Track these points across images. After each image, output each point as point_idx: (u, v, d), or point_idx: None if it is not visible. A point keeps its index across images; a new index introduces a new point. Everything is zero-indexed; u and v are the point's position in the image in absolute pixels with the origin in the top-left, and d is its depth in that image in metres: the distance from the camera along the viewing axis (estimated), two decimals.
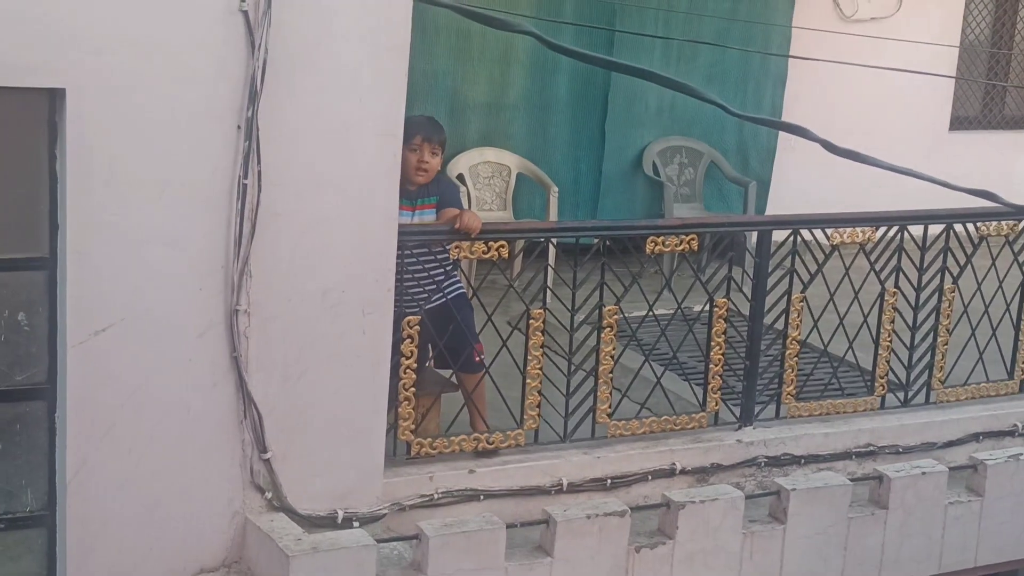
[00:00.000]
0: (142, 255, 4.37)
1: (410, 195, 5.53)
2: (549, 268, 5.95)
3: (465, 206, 6.13)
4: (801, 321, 6.00)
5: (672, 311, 5.87)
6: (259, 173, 4.46)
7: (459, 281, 5.62)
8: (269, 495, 4.73)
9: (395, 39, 4.64)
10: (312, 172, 4.58)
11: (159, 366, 4.48)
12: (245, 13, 4.34)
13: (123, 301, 4.37)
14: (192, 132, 4.37)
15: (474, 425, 5.51)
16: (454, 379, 5.60)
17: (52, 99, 4.23)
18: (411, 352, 5.21)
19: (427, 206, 5.52)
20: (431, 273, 5.40)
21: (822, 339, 6.14)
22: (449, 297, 5.49)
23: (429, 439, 5.33)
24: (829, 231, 6.04)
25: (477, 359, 5.52)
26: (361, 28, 4.56)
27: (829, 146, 2.90)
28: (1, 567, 4.59)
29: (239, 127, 4.41)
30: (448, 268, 5.49)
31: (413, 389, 5.24)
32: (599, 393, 5.61)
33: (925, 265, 6.27)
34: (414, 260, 5.28)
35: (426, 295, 5.38)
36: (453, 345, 5.46)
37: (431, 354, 5.55)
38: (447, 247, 5.35)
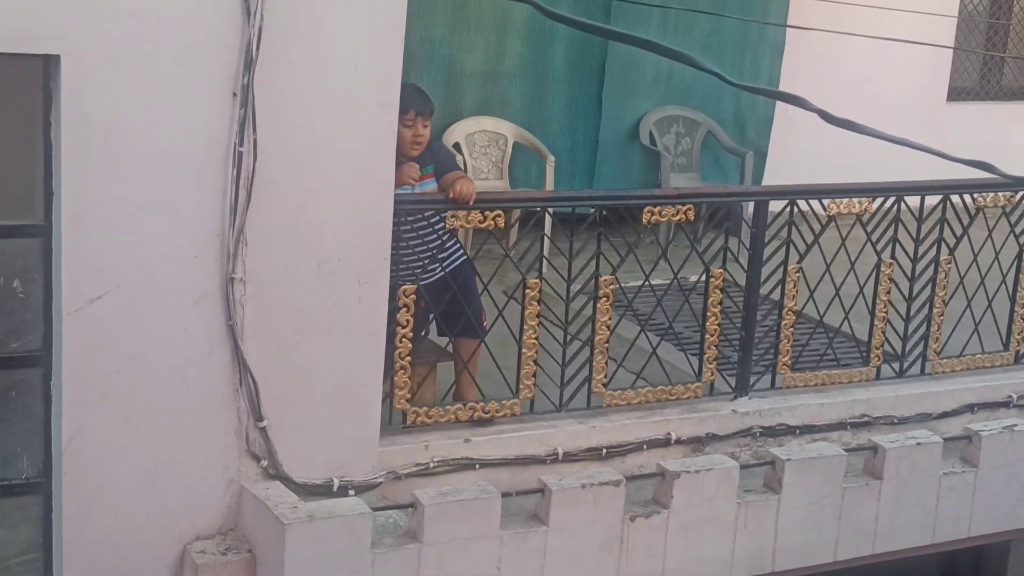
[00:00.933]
0: (137, 222, 4.36)
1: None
2: (545, 238, 5.94)
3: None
4: (797, 292, 6.00)
5: (668, 281, 5.87)
6: (255, 141, 4.44)
7: (460, 250, 5.60)
8: (265, 463, 4.74)
9: (391, 7, 4.61)
10: (308, 140, 4.56)
11: (155, 334, 4.48)
12: None
13: (118, 268, 4.37)
14: (188, 99, 4.35)
15: (465, 394, 5.50)
16: (450, 347, 5.60)
17: (47, 66, 4.21)
18: (407, 321, 5.20)
19: (427, 176, 5.50)
20: (430, 246, 5.38)
21: (818, 310, 6.15)
22: (447, 270, 5.48)
23: (425, 408, 5.33)
24: (826, 202, 6.03)
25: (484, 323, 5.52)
26: None
27: (826, 116, 2.89)
28: None
29: (235, 95, 4.39)
30: (446, 240, 5.48)
31: (409, 358, 5.24)
32: (595, 363, 5.61)
33: (921, 236, 6.26)
34: (411, 231, 5.27)
35: (421, 265, 5.37)
36: (456, 309, 5.45)
37: (429, 325, 5.54)
38: (444, 219, 5.34)
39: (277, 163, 4.51)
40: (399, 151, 5.52)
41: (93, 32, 4.16)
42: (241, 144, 4.42)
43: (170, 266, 4.45)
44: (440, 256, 5.49)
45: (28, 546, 4.65)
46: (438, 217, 5.34)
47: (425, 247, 5.41)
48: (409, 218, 5.27)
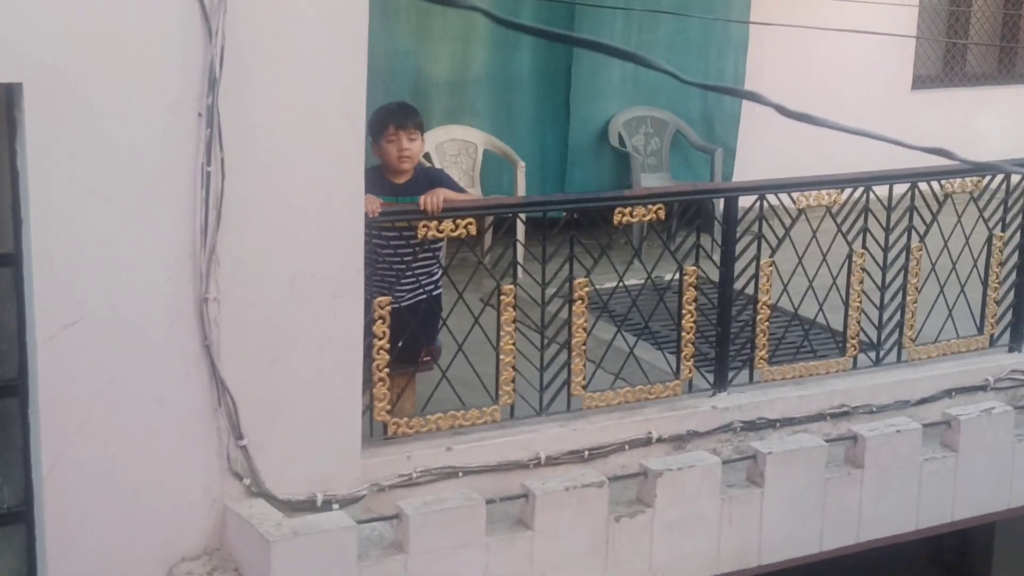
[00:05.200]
0: (108, 247, 4.36)
1: (396, 190, 5.53)
2: (518, 243, 5.96)
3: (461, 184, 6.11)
4: (771, 286, 6.03)
5: (642, 281, 5.90)
6: (222, 160, 4.44)
7: (438, 282, 5.63)
8: (247, 481, 4.74)
9: (353, 21, 4.62)
10: (275, 157, 4.57)
11: (131, 358, 4.47)
12: (201, 0, 4.32)
13: (91, 294, 4.36)
14: (153, 121, 4.35)
15: (403, 406, 5.46)
16: (425, 359, 5.61)
17: (10, 94, 4.21)
18: (383, 333, 5.21)
19: (414, 204, 5.43)
20: (404, 259, 5.39)
21: (792, 303, 6.19)
22: (429, 296, 5.50)
23: (405, 419, 5.33)
24: (795, 195, 6.06)
25: (426, 359, 5.56)
26: (318, 11, 4.54)
27: (782, 110, 2.92)
28: None
29: (200, 115, 4.39)
30: (431, 264, 5.49)
31: (387, 370, 5.24)
32: (573, 366, 5.63)
33: (891, 225, 6.30)
34: (385, 245, 5.28)
35: (395, 277, 5.37)
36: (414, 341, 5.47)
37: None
38: (433, 248, 5.36)
39: (245, 181, 4.51)
40: (389, 167, 5.55)
41: (54, 59, 4.16)
42: (208, 164, 4.42)
43: (143, 289, 4.45)
44: (424, 282, 5.51)
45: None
46: (413, 232, 5.34)
47: (399, 260, 5.42)
48: (384, 232, 5.28)
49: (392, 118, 5.55)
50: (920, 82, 10.83)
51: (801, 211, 6.05)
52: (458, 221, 5.33)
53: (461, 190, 5.71)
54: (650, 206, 5.72)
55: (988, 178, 6.62)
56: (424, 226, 5.28)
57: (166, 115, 4.37)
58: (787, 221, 6.03)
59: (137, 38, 4.27)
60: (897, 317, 6.42)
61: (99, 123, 4.27)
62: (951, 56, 11.12)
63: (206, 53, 4.36)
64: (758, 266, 5.99)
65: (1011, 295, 6.72)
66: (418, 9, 8.23)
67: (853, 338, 6.31)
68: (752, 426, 5.91)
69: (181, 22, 4.33)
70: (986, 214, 6.61)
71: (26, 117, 4.16)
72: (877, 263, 6.32)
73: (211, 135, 4.41)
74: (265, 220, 4.60)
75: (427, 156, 8.20)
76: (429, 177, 5.68)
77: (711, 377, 5.99)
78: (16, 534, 4.58)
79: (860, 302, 6.30)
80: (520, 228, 6.57)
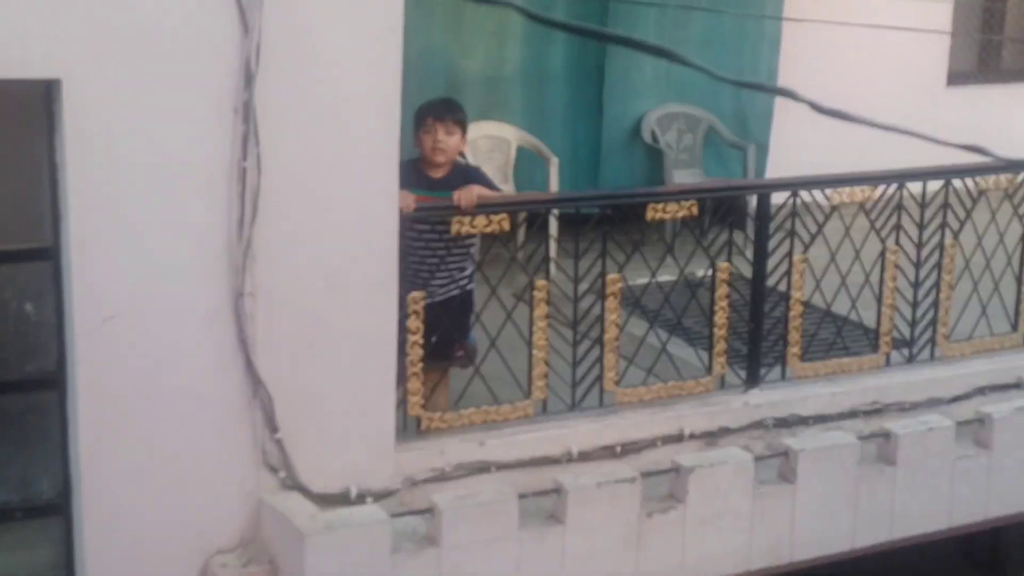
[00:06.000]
0: (146, 241, 4.40)
1: (431, 184, 5.56)
2: (551, 239, 5.96)
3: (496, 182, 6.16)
4: (803, 282, 6.02)
5: (675, 277, 5.90)
6: (258, 156, 4.48)
7: (471, 278, 5.65)
8: (282, 475, 4.77)
9: (388, 17, 4.65)
10: (310, 153, 4.60)
11: (168, 351, 4.52)
12: None
13: (129, 288, 4.41)
14: (189, 117, 4.39)
15: (436, 401, 5.50)
16: (459, 355, 5.64)
17: (49, 90, 4.25)
18: (417, 328, 5.23)
19: (448, 199, 5.40)
20: (437, 253, 5.41)
21: (825, 299, 6.17)
22: (462, 290, 5.53)
23: (439, 413, 5.36)
24: (828, 192, 6.05)
25: (459, 354, 5.59)
26: (354, 7, 4.57)
27: (816, 106, 2.92)
28: (20, 556, 4.65)
29: (236, 110, 4.42)
30: (463, 260, 5.52)
31: (421, 364, 5.27)
32: (605, 361, 5.64)
33: (925, 222, 6.28)
34: (418, 240, 5.31)
35: (429, 272, 5.40)
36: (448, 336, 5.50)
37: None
38: (466, 242, 5.38)
39: (281, 176, 4.54)
40: (424, 160, 5.59)
41: (93, 55, 4.20)
42: (245, 159, 4.46)
43: (180, 284, 4.49)
44: (458, 277, 5.54)
45: (50, 567, 4.69)
46: (446, 227, 5.36)
47: (433, 255, 5.45)
48: (418, 227, 5.31)
49: (432, 110, 5.60)
50: (955, 79, 10.76)
51: (834, 208, 6.04)
52: (491, 217, 5.35)
53: (496, 189, 5.73)
54: (683, 202, 5.72)
55: (1023, 175, 6.58)
56: (458, 222, 5.30)
57: (203, 111, 4.41)
58: (820, 218, 6.02)
59: (174, 34, 4.31)
60: (930, 314, 6.40)
61: (137, 119, 4.31)
62: (986, 52, 11.05)
63: (242, 49, 4.40)
64: (791, 263, 5.98)
65: None
66: (452, 5, 8.24)
67: (886, 335, 6.29)
68: (784, 423, 5.90)
69: (218, 18, 4.36)
70: (1021, 211, 6.57)
71: (65, 112, 4.21)
72: (910, 260, 6.30)
73: (247, 131, 4.44)
74: (301, 215, 4.63)
75: (460, 153, 8.22)
76: (465, 173, 5.70)
77: (743, 373, 5.99)
78: (54, 526, 4.63)
79: (893, 299, 6.28)
80: (553, 224, 6.57)
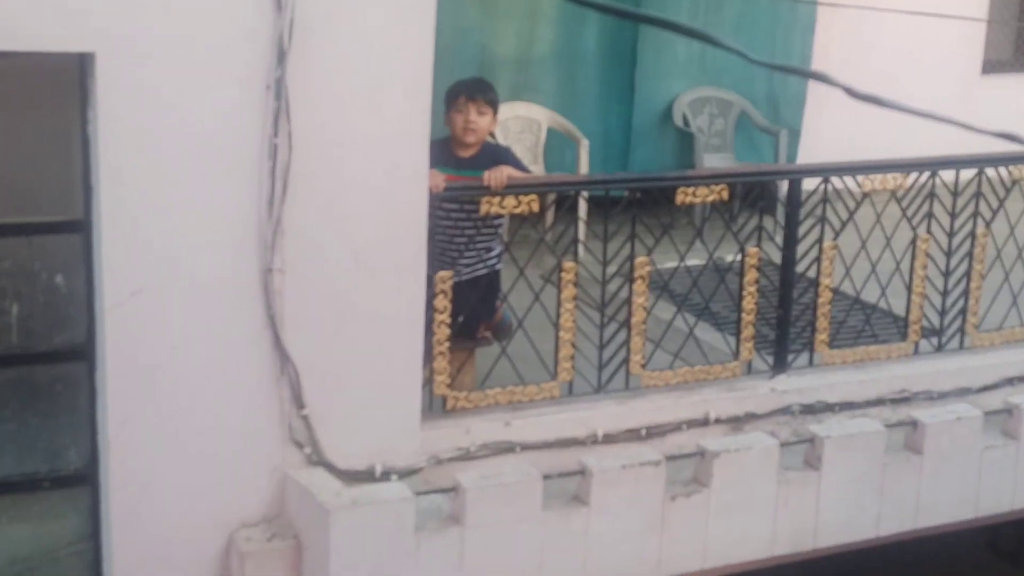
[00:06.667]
0: (176, 216, 4.42)
1: (460, 163, 5.56)
2: (580, 221, 5.96)
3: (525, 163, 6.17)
4: (833, 269, 6.00)
5: (704, 261, 5.88)
6: (289, 133, 4.48)
7: (498, 258, 5.66)
8: (308, 450, 4.79)
9: None
10: (341, 130, 4.60)
11: (196, 326, 4.54)
12: None
13: (158, 262, 4.43)
14: (221, 93, 4.40)
15: (462, 380, 5.52)
16: (486, 334, 5.65)
17: (83, 63, 4.27)
18: (444, 307, 5.24)
19: (477, 178, 5.41)
20: (466, 232, 5.42)
21: (854, 286, 6.15)
22: (489, 269, 5.54)
23: (465, 393, 5.37)
24: (860, 178, 6.02)
25: (485, 334, 5.61)
26: None
27: (851, 91, 2.90)
28: (48, 525, 4.69)
29: (268, 87, 4.43)
30: (490, 240, 5.52)
31: (447, 344, 5.28)
32: (632, 344, 5.63)
33: (957, 210, 6.24)
34: (447, 219, 5.32)
35: (458, 251, 5.40)
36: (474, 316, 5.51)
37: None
38: (495, 222, 5.38)
39: (311, 154, 4.55)
40: (455, 139, 5.60)
41: (127, 29, 4.21)
42: (276, 136, 4.47)
43: (209, 258, 4.50)
44: (485, 257, 5.54)
45: (77, 537, 4.73)
46: (475, 206, 5.36)
47: (461, 234, 5.45)
48: (446, 206, 5.32)
49: (464, 89, 5.60)
50: (990, 67, 10.69)
51: (866, 195, 6.01)
52: (521, 198, 5.34)
53: (526, 170, 5.72)
54: (714, 186, 5.70)
55: None
56: (487, 202, 5.31)
57: (235, 86, 4.42)
58: (851, 204, 5.99)
59: (208, 9, 4.32)
60: (960, 303, 6.37)
61: (169, 93, 4.32)
62: (1022, 40, 10.96)
63: (275, 26, 4.40)
64: (821, 249, 5.95)
65: None
66: None
67: (915, 323, 6.27)
68: (811, 409, 5.88)
69: None
70: None
71: (98, 86, 4.22)
72: (941, 249, 6.27)
73: (279, 107, 4.45)
74: (330, 192, 4.64)
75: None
76: (495, 154, 5.70)
77: (771, 359, 5.97)
78: (82, 495, 4.67)
79: (923, 287, 6.25)
80: (582, 206, 6.57)
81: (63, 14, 4.11)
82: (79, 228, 4.45)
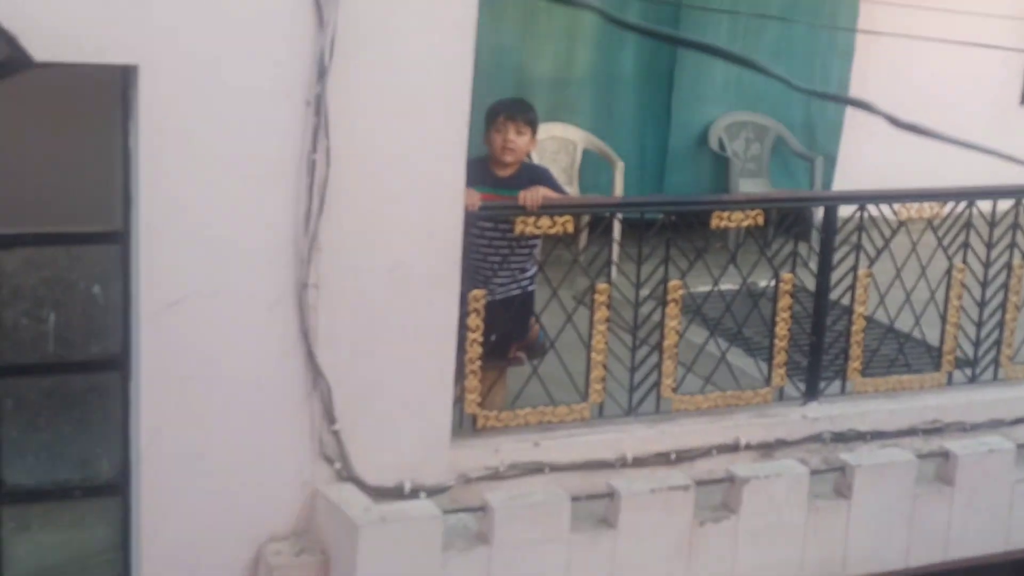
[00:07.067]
0: (213, 229, 4.44)
1: (498, 182, 5.58)
2: (614, 243, 5.95)
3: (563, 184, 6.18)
4: (867, 297, 5.97)
5: (737, 286, 5.87)
6: (328, 149, 4.50)
7: (532, 279, 5.66)
8: (338, 466, 4.80)
9: (462, 17, 4.66)
10: (379, 147, 4.62)
11: (230, 338, 4.55)
12: None
13: (195, 274, 4.45)
14: (262, 107, 4.42)
15: (493, 399, 5.51)
16: (519, 354, 5.65)
17: (126, 75, 4.30)
18: (477, 326, 5.25)
19: (513, 198, 5.40)
20: (500, 252, 5.42)
21: (888, 315, 6.12)
22: (524, 291, 5.55)
23: (495, 412, 5.37)
24: (896, 206, 6.00)
25: (517, 353, 5.63)
26: (428, 6, 4.58)
27: (893, 120, 2.90)
28: (78, 534, 4.71)
29: (308, 103, 4.46)
30: (526, 262, 5.53)
31: (479, 362, 5.28)
32: (664, 367, 5.62)
33: (994, 241, 6.21)
34: (482, 238, 5.33)
35: (492, 270, 5.41)
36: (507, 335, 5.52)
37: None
38: (529, 243, 5.39)
39: (349, 170, 4.57)
40: (493, 158, 5.62)
41: (170, 42, 4.24)
42: (315, 151, 4.49)
43: (245, 272, 4.52)
44: (519, 277, 5.55)
45: (107, 546, 4.75)
46: (510, 226, 5.37)
47: (496, 253, 5.46)
48: (481, 225, 5.33)
49: (503, 108, 5.62)
50: None
51: (902, 223, 5.99)
52: (556, 218, 5.35)
53: (562, 192, 5.72)
54: (749, 211, 5.69)
55: None
56: (522, 222, 5.31)
57: (275, 102, 4.44)
58: (887, 232, 5.97)
59: (251, 24, 4.35)
60: (995, 335, 6.33)
61: (210, 107, 4.35)
62: None
63: (317, 42, 4.42)
64: (855, 277, 5.93)
65: None
66: (524, 6, 8.27)
67: (949, 354, 6.23)
68: (842, 437, 5.86)
69: (294, 10, 4.39)
70: None
71: (141, 98, 4.25)
72: (977, 279, 6.24)
73: (318, 123, 4.47)
74: (367, 209, 4.65)
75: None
76: (532, 174, 5.71)
77: (802, 386, 5.95)
78: (112, 506, 4.69)
79: (958, 318, 6.22)
80: (616, 228, 6.57)
81: (107, 26, 4.15)
82: (117, 239, 4.47)
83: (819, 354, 5.94)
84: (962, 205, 6.12)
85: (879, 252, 5.95)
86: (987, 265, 6.23)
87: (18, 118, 4.38)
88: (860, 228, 5.87)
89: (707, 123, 8.99)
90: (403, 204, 4.70)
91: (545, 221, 5.33)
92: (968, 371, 6.31)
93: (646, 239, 5.52)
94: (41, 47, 4.01)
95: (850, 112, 9.23)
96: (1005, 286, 6.28)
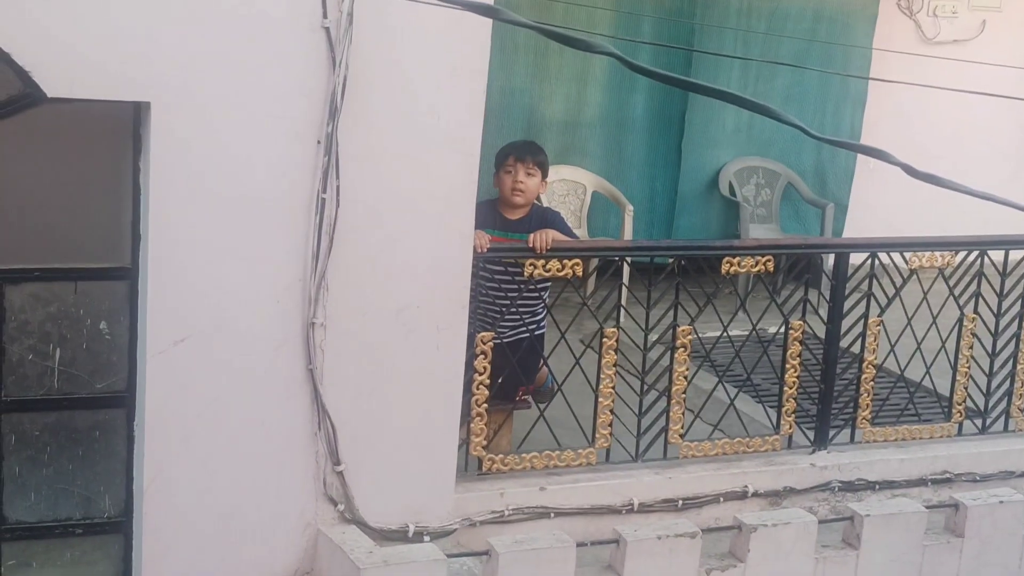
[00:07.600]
0: (222, 267, 4.43)
1: (508, 225, 5.57)
2: (623, 287, 5.93)
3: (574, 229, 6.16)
4: (878, 345, 5.94)
5: (747, 332, 5.84)
6: (337, 188, 4.50)
7: (543, 322, 5.64)
8: (341, 507, 4.77)
9: (474, 59, 4.67)
10: (389, 189, 4.62)
11: (236, 377, 4.54)
12: (327, 30, 4.39)
13: (202, 312, 4.44)
14: (273, 146, 4.43)
15: (499, 443, 5.47)
16: (526, 398, 5.62)
17: (137, 112, 4.31)
18: (484, 368, 5.22)
19: (523, 241, 5.37)
20: (509, 295, 5.40)
21: (899, 364, 6.08)
22: (532, 335, 5.53)
23: (501, 455, 5.34)
24: (908, 254, 5.98)
25: (523, 397, 5.59)
26: (440, 48, 4.59)
27: (909, 170, 2.88)
28: (79, 572, 4.67)
29: (319, 142, 4.46)
30: (535, 304, 5.51)
31: (486, 405, 5.25)
32: (672, 413, 5.59)
33: (1005, 291, 6.18)
34: (490, 280, 5.32)
35: (500, 313, 5.38)
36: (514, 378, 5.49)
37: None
38: (538, 286, 5.38)
39: (359, 210, 4.57)
40: (503, 200, 5.61)
41: (182, 80, 4.25)
42: (324, 191, 4.48)
43: (252, 310, 4.51)
44: (528, 320, 5.52)
45: None
46: (519, 269, 5.35)
47: (504, 296, 5.44)
48: (490, 267, 5.31)
49: (514, 150, 5.62)
50: None
51: (913, 271, 5.97)
52: (565, 261, 5.33)
53: (572, 235, 5.70)
54: (759, 257, 5.67)
55: None
56: (531, 264, 5.29)
57: (286, 141, 4.44)
58: (898, 280, 5.94)
59: (263, 64, 4.36)
60: (1006, 385, 6.29)
61: (221, 145, 4.36)
62: None
63: (328, 82, 4.43)
64: (866, 324, 5.90)
65: None
66: (536, 49, 8.29)
67: (959, 404, 6.20)
68: (851, 487, 5.81)
69: (306, 51, 4.40)
70: None
71: (152, 135, 4.26)
72: (988, 329, 6.21)
73: (328, 163, 4.47)
74: (375, 250, 4.64)
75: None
76: (542, 217, 5.70)
77: (811, 434, 5.91)
78: (114, 543, 4.66)
79: (968, 367, 6.19)
80: (626, 271, 6.55)
81: (120, 63, 4.15)
82: (126, 275, 4.47)
83: (829, 402, 5.91)
84: (974, 254, 6.09)
85: (890, 300, 5.92)
86: (998, 315, 6.20)
87: (29, 153, 4.38)
88: (871, 275, 5.84)
89: (718, 168, 8.99)
90: (412, 245, 4.70)
91: (554, 264, 5.31)
92: (979, 422, 6.28)
93: (655, 283, 5.50)
94: (54, 83, 4.03)
95: (862, 160, 9.23)
96: (1017, 337, 6.26)
